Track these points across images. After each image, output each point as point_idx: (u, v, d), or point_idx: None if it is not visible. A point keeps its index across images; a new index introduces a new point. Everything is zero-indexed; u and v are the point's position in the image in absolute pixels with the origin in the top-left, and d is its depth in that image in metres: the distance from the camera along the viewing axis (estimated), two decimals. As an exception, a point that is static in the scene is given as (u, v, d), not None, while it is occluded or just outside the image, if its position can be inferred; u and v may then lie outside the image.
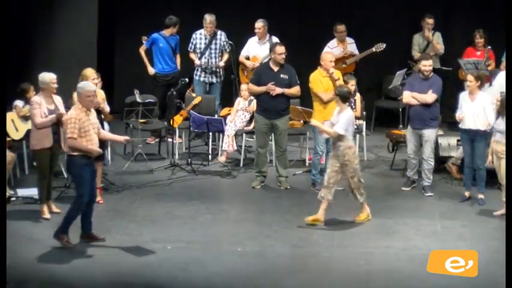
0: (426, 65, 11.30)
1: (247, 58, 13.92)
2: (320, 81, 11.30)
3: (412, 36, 14.31)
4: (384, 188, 11.59)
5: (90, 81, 10.59)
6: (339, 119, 10.04)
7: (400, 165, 12.37)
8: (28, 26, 13.53)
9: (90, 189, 9.38)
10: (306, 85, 11.81)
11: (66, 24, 13.80)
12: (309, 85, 11.38)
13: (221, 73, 13.91)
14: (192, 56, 13.83)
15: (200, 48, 13.77)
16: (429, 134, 11.23)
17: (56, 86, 10.22)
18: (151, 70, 13.87)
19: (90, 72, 10.74)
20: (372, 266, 9.00)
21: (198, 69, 13.86)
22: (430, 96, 11.16)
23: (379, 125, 14.54)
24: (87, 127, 9.26)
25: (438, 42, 14.18)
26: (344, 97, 10.11)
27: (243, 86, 12.88)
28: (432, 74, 11.38)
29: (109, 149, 12.35)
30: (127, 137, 9.89)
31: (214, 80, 13.83)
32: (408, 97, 11.26)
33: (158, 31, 13.86)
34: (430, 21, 14.12)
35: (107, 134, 10.01)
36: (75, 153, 9.25)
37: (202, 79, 13.83)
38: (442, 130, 13.26)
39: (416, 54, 14.13)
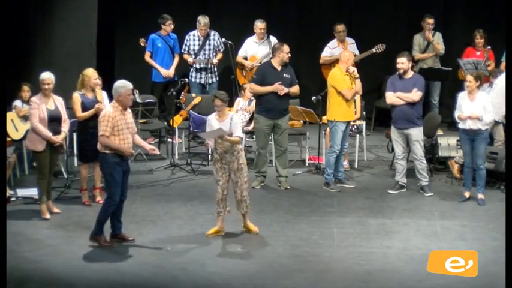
0: (399, 63, 11.22)
1: (245, 58, 13.94)
2: (343, 79, 11.32)
3: (413, 37, 14.30)
4: (383, 188, 11.57)
5: (93, 81, 10.64)
6: (233, 125, 9.63)
7: (400, 165, 12.38)
8: (28, 26, 13.51)
9: (121, 189, 9.37)
10: (306, 85, 11.82)
11: (65, 24, 13.78)
12: (330, 82, 11.37)
13: (216, 73, 13.92)
14: (186, 57, 13.84)
15: (194, 49, 13.78)
16: (417, 133, 11.21)
17: (46, 86, 10.20)
18: (164, 72, 13.83)
19: (91, 72, 10.73)
20: (372, 266, 9.00)
21: (193, 71, 13.87)
22: (416, 95, 11.13)
23: (379, 125, 14.54)
24: (120, 126, 9.24)
25: (439, 43, 14.17)
26: (228, 102, 9.84)
27: (246, 85, 12.85)
28: (413, 73, 11.35)
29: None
30: (153, 147, 9.76)
31: (210, 80, 13.83)
32: (392, 98, 11.18)
33: (155, 31, 13.87)
34: (431, 21, 14.11)
35: (139, 139, 9.74)
36: (107, 151, 9.25)
37: (198, 80, 13.84)
38: (442, 130, 13.28)
39: (416, 54, 14.12)
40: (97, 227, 9.38)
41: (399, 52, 11.43)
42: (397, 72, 11.31)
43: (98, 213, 9.40)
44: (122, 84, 9.36)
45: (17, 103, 11.79)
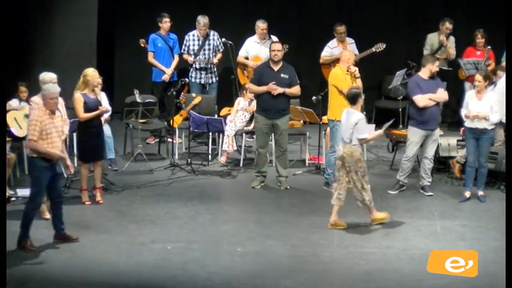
0: (435, 66, 11.30)
1: (246, 58, 13.93)
2: (344, 78, 11.32)
3: (426, 36, 14.16)
4: (384, 188, 11.57)
5: (97, 80, 10.66)
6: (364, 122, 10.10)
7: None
8: (28, 26, 13.52)
9: (54, 191, 9.33)
10: (306, 85, 11.82)
11: (66, 24, 13.79)
12: (331, 82, 11.36)
13: (216, 73, 13.92)
14: (186, 57, 13.83)
15: (194, 49, 13.77)
16: (438, 132, 11.35)
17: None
18: (168, 71, 13.83)
19: (93, 71, 10.72)
20: (372, 266, 9.00)
21: (192, 71, 13.86)
22: (446, 94, 11.28)
23: (379, 125, 14.50)
24: (49, 130, 9.14)
25: (451, 47, 14.09)
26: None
27: (247, 85, 12.84)
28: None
29: (113, 151, 12.33)
30: (70, 165, 9.64)
31: (210, 80, 13.83)
32: (425, 100, 11.09)
33: (155, 31, 13.86)
34: (450, 26, 13.93)
35: (63, 150, 9.60)
36: (34, 155, 9.16)
37: (198, 80, 13.83)
38: (442, 130, 13.27)
39: (427, 54, 14.08)
40: (21, 231, 9.24)
41: (399, 52, 11.49)
42: (416, 74, 11.44)
43: (22, 217, 9.26)
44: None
45: (13, 102, 11.72)
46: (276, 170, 11.64)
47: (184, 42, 13.83)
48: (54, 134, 9.20)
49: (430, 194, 11.24)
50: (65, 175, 10.82)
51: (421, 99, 11.14)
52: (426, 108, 11.14)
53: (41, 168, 9.16)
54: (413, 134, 11.26)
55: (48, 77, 10.25)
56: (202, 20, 13.69)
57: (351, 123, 9.99)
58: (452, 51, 14.09)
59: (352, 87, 10.47)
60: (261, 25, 13.78)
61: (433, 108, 11.17)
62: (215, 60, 13.78)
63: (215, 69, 13.93)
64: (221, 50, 13.85)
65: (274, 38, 13.64)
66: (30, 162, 9.28)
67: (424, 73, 11.29)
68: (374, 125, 10.35)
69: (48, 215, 10.21)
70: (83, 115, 10.58)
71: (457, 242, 9.68)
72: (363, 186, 9.94)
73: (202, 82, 13.82)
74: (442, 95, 11.23)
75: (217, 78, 13.95)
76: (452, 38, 14.16)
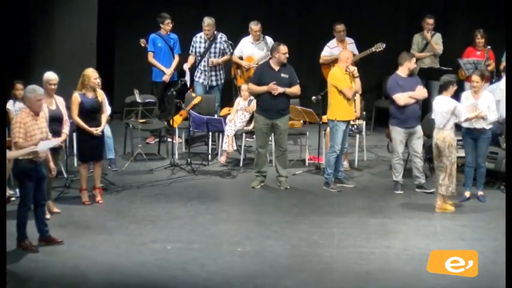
0: (413, 63, 11.42)
1: (240, 58, 13.91)
2: (343, 78, 11.33)
3: (413, 36, 14.33)
4: (384, 188, 11.58)
5: (93, 80, 10.62)
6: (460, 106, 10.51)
7: (400, 165, 12.37)
8: (28, 26, 13.53)
9: (38, 193, 9.26)
10: (306, 85, 11.82)
11: (66, 24, 13.80)
12: (330, 82, 11.38)
13: (221, 76, 13.88)
14: (190, 58, 13.80)
15: (199, 52, 13.74)
16: (421, 129, 11.32)
17: (53, 87, 10.17)
18: (168, 71, 13.83)
19: (90, 72, 10.70)
20: (372, 266, 9.00)
21: (198, 71, 13.84)
22: (425, 91, 11.34)
23: (379, 125, 14.52)
24: (33, 131, 9.10)
25: (437, 43, 14.18)
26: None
27: (243, 86, 12.87)
28: None
29: (113, 151, 12.33)
30: (53, 168, 9.62)
31: (214, 83, 13.80)
32: (406, 98, 11.16)
33: (155, 31, 13.85)
34: (430, 21, 14.16)
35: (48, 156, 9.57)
36: (19, 157, 9.09)
37: (201, 81, 13.82)
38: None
39: (414, 53, 14.13)
40: (18, 233, 9.23)
41: (399, 52, 11.50)
42: (395, 73, 11.41)
43: (16, 219, 9.23)
44: (31, 90, 9.21)
45: (10, 105, 11.62)
46: (275, 170, 11.64)
47: (192, 43, 13.77)
48: (39, 136, 9.17)
49: (431, 190, 11.20)
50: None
51: (401, 98, 11.20)
52: (406, 106, 11.19)
53: (26, 170, 9.12)
54: (396, 133, 11.35)
55: (45, 77, 10.21)
56: (207, 20, 13.61)
57: (445, 110, 10.44)
58: (437, 46, 14.18)
59: (446, 74, 10.93)
60: (253, 27, 13.74)
61: (413, 106, 11.21)
62: (214, 60, 13.65)
63: (221, 71, 13.86)
64: (228, 53, 13.76)
65: (269, 39, 13.63)
66: (14, 164, 9.21)
67: (403, 71, 11.35)
68: (470, 103, 10.78)
69: (48, 215, 10.21)
70: (76, 117, 10.57)
71: (457, 242, 9.68)
72: (451, 173, 10.38)
73: (205, 83, 13.79)
74: (421, 92, 11.26)
75: (222, 81, 13.87)
76: (438, 34, 14.27)
